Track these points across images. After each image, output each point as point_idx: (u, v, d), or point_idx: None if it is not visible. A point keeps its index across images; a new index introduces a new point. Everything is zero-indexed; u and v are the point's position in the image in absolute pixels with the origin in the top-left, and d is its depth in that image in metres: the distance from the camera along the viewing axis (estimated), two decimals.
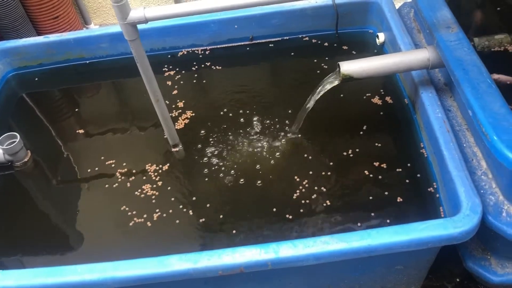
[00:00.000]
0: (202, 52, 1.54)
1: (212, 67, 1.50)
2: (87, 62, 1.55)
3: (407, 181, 1.13)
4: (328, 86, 1.18)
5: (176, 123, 1.33)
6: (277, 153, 1.23)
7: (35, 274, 0.93)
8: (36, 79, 1.54)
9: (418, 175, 1.14)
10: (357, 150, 1.20)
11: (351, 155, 1.19)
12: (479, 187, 1.01)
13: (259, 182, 1.17)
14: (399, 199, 1.10)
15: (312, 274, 1.03)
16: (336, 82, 1.15)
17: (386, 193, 1.11)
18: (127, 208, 1.15)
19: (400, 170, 1.15)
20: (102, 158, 1.28)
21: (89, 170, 1.26)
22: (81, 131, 1.37)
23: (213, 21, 1.48)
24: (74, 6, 1.86)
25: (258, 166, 1.21)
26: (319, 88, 1.19)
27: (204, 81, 1.47)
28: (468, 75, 1.01)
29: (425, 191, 1.11)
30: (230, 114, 1.34)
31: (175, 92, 1.43)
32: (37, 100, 1.51)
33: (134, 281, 0.91)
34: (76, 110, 1.45)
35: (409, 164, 1.16)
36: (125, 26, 0.98)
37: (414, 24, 1.39)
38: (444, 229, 0.91)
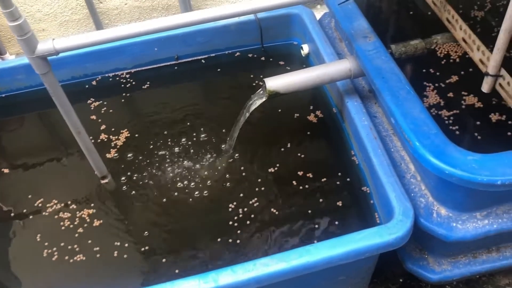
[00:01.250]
0: (127, 75, 1.49)
1: (139, 89, 1.45)
2: (3, 95, 1.45)
3: (341, 187, 1.14)
4: (257, 103, 1.17)
5: (108, 153, 1.27)
6: (212, 174, 1.20)
7: None
8: None
9: (352, 182, 1.15)
10: (292, 164, 1.20)
11: (287, 170, 1.19)
12: (409, 190, 1.04)
13: (194, 207, 1.14)
14: (339, 203, 1.11)
15: None
16: (264, 99, 1.15)
17: (321, 200, 1.12)
18: (55, 248, 1.09)
19: (335, 178, 1.16)
20: (30, 196, 1.20)
21: (12, 215, 1.18)
22: (6, 170, 1.28)
23: (135, 43, 1.43)
24: None
25: (193, 190, 1.17)
26: (248, 105, 1.18)
27: (131, 105, 1.42)
28: (387, 83, 1.03)
29: (361, 199, 1.12)
30: (162, 138, 1.30)
31: (101, 120, 1.37)
32: None
33: None
34: None
35: (341, 173, 1.17)
36: (33, 60, 0.92)
37: (336, 34, 1.42)
38: (380, 237, 0.92)
